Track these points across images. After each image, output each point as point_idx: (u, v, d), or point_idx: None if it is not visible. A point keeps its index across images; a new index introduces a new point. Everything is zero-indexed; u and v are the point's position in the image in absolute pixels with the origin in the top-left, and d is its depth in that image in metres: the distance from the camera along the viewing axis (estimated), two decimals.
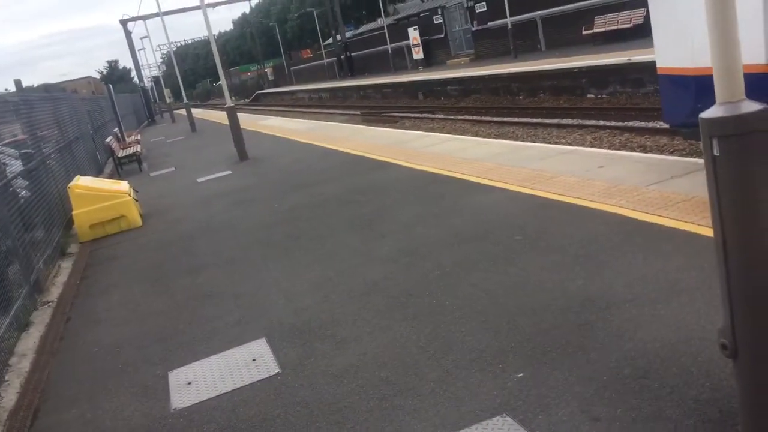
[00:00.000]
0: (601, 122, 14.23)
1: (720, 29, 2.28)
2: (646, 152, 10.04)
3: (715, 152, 2.35)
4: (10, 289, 6.55)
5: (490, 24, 35.62)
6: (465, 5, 39.68)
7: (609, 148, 10.87)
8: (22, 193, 8.84)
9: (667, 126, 8.58)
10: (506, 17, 31.10)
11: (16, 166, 9.11)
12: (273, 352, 4.48)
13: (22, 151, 9.97)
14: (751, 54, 5.25)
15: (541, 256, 5.13)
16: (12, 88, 11.53)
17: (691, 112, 6.44)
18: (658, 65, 7.22)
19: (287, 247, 7.04)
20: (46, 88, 15.13)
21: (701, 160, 6.62)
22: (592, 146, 11.51)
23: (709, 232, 4.77)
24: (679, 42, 6.79)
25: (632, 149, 10.79)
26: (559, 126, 15.13)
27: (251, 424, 3.63)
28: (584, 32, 27.71)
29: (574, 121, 15.12)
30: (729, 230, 2.41)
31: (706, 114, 2.37)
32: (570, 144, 12.02)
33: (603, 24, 26.91)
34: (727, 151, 2.30)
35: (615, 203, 5.96)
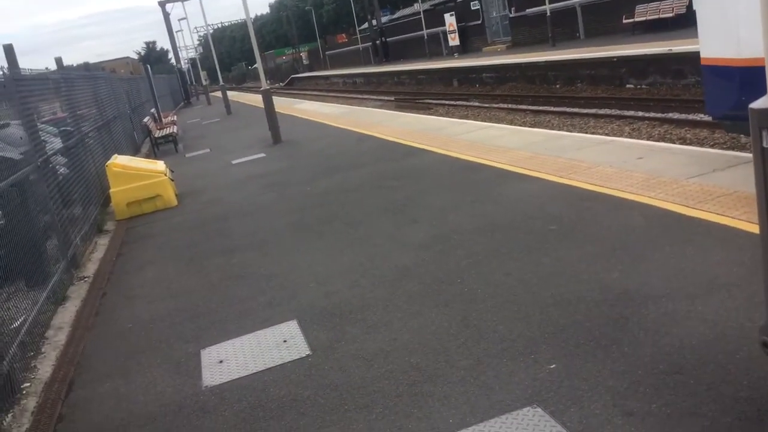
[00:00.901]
0: (640, 113, 13.98)
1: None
2: (686, 144, 9.84)
3: (765, 144, 2.28)
4: (48, 263, 6.68)
5: (528, 11, 35.12)
6: None
7: (648, 140, 10.65)
8: (61, 170, 9.00)
9: (708, 118, 8.39)
10: (545, 4, 30.64)
11: (55, 143, 9.27)
12: (304, 334, 4.50)
13: (62, 128, 10.14)
14: None
15: (577, 246, 5.06)
16: (53, 67, 11.73)
17: (735, 104, 6.58)
18: (702, 55, 7.04)
19: (320, 231, 7.06)
20: (86, 66, 15.33)
21: (744, 154, 6.48)
22: (630, 137, 11.29)
23: (750, 228, 4.67)
24: (724, 31, 6.64)
25: (671, 141, 10.56)
26: (596, 116, 14.89)
27: (281, 404, 3.65)
28: (625, 21, 27.18)
29: (612, 112, 14.87)
30: None
31: (757, 104, 2.30)
32: (607, 135, 11.82)
33: (644, 13, 26.35)
34: None
35: (654, 195, 5.85)
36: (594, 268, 4.59)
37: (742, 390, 2.95)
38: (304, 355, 4.19)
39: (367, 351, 4.07)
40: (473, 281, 4.80)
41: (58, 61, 11.45)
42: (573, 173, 7.16)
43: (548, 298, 4.27)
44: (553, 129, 13.46)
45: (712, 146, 9.74)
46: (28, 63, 8.37)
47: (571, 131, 12.32)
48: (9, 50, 7.38)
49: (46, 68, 10.32)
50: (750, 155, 6.23)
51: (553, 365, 3.47)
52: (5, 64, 7.14)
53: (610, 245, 4.95)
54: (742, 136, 7.26)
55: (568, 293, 4.28)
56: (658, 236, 4.94)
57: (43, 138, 8.40)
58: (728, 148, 8.92)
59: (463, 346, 3.87)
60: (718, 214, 5.11)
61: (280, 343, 4.44)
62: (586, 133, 12.17)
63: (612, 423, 2.91)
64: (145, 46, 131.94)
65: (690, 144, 10.15)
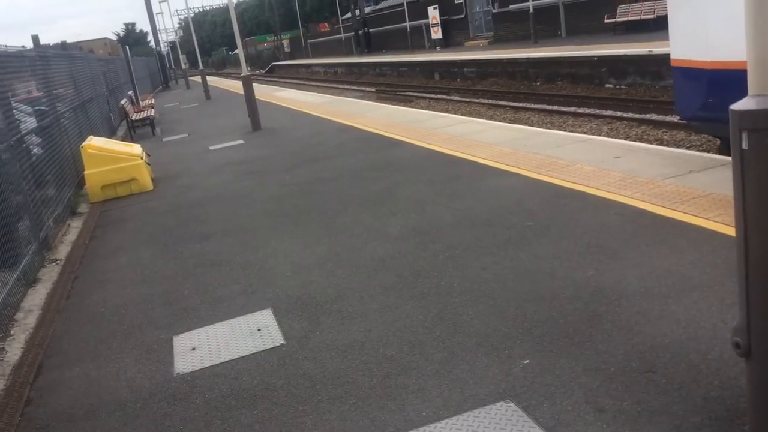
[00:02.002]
0: (618, 113, 14.10)
1: (755, 19, 2.20)
2: (663, 145, 9.93)
3: (744, 146, 2.29)
4: (19, 244, 6.56)
5: (512, 7, 35.20)
6: None
7: (626, 140, 10.74)
8: (35, 150, 8.84)
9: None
10: (528, 1, 30.72)
11: (30, 122, 9.10)
12: (278, 323, 4.47)
13: (36, 108, 9.96)
14: None
15: (553, 243, 5.09)
16: (29, 45, 11.50)
17: (702, 105, 6.91)
18: (672, 56, 7.28)
19: (297, 220, 7.02)
20: (63, 45, 15.06)
21: (719, 157, 6.55)
22: (609, 137, 11.38)
23: (725, 230, 4.73)
24: (694, 34, 6.82)
25: (649, 142, 10.67)
26: (575, 114, 14.98)
27: (253, 393, 3.63)
28: (606, 20, 27.36)
29: (591, 111, 14.97)
30: (752, 226, 2.35)
31: (737, 106, 2.30)
32: (586, 133, 11.90)
33: (626, 13, 26.54)
34: (757, 145, 2.24)
35: (630, 195, 5.90)
36: (569, 265, 4.62)
37: (713, 390, 2.98)
38: (278, 345, 4.16)
39: (341, 342, 4.06)
40: (450, 275, 4.81)
41: (35, 38, 11.25)
42: (551, 170, 7.20)
43: (524, 294, 4.29)
44: (532, 126, 13.53)
45: (688, 148, 9.86)
46: (2, 41, 8.22)
47: (550, 129, 12.37)
48: None
49: (23, 47, 10.08)
50: (726, 158, 6.32)
51: (527, 361, 3.49)
52: None
53: (586, 243, 4.98)
54: (717, 138, 7.40)
55: (544, 289, 4.30)
56: (634, 235, 4.98)
57: (17, 117, 8.24)
58: (704, 151, 9.03)
59: (437, 340, 3.88)
60: (693, 215, 5.17)
61: (254, 332, 4.41)
62: (565, 131, 12.23)
63: (584, 419, 2.93)
64: (124, 27, 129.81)
65: (667, 145, 10.25)
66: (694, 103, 7.17)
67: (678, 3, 7.04)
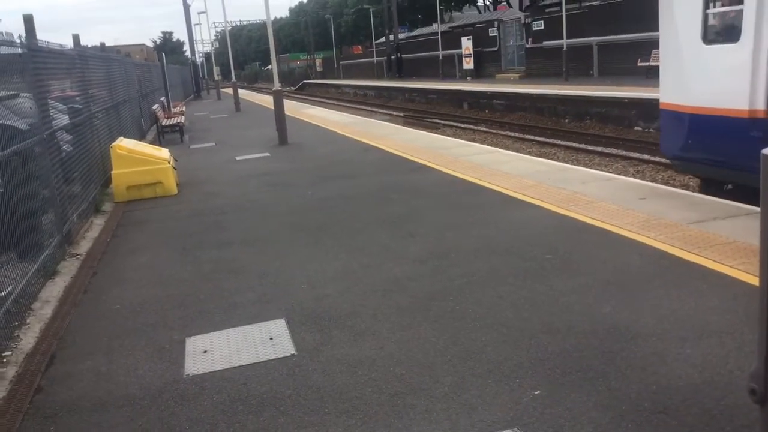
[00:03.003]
0: (646, 156, 14.03)
1: None
2: (688, 191, 9.85)
3: None
4: (42, 237, 6.65)
5: (545, 43, 35.34)
6: (522, 21, 39.43)
7: (652, 182, 10.68)
8: (65, 147, 8.99)
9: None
10: (563, 38, 30.85)
11: (63, 119, 9.26)
12: (291, 333, 4.48)
13: (71, 105, 10.14)
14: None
15: (571, 277, 5.06)
16: (68, 46, 11.74)
17: (683, 146, 7.62)
18: (661, 100, 7.99)
19: (316, 235, 7.05)
20: (102, 47, 15.36)
21: (746, 206, 6.50)
22: (635, 178, 11.32)
23: (747, 278, 4.68)
24: (678, 80, 7.65)
25: (675, 186, 10.60)
26: (602, 154, 14.95)
27: (261, 400, 3.63)
28: (639, 63, 27.34)
29: (618, 152, 14.94)
30: None
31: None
32: (612, 173, 11.85)
33: (659, 57, 26.52)
34: None
35: (653, 236, 5.86)
36: (586, 300, 4.58)
37: None
38: (288, 355, 4.17)
39: (352, 357, 4.05)
40: (465, 300, 4.79)
41: (75, 37, 11.48)
42: (574, 206, 7.18)
43: (538, 325, 4.26)
44: (558, 161, 13.49)
45: (715, 195, 9.76)
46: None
47: (575, 165, 12.33)
48: (28, 20, 7.40)
49: (61, 45, 10.29)
50: (752, 207, 6.25)
51: (538, 391, 3.46)
52: (23, 34, 7.15)
53: (605, 279, 4.95)
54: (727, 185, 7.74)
55: (559, 322, 4.27)
56: (654, 276, 4.94)
57: (51, 113, 8.40)
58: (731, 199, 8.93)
59: (449, 363, 3.86)
60: (715, 261, 5.12)
61: (266, 340, 4.42)
62: (591, 169, 12.19)
63: None
64: (161, 35, 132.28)
65: (693, 190, 10.17)
66: (677, 143, 7.83)
67: (667, 54, 7.96)
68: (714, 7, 7.56)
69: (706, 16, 7.50)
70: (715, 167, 7.64)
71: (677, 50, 7.80)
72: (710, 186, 8.14)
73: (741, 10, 6.96)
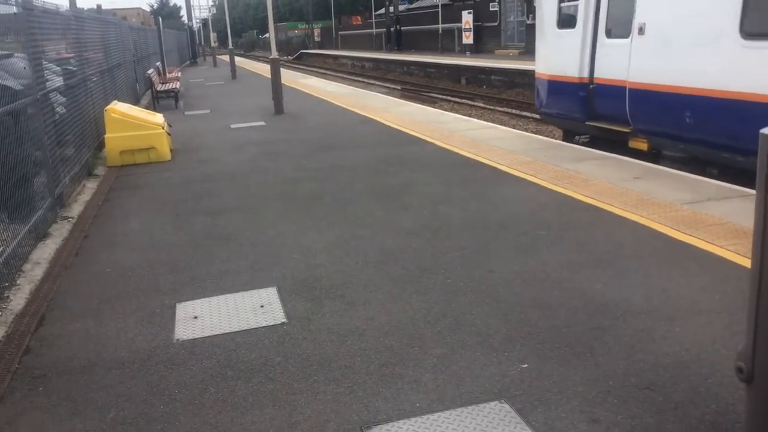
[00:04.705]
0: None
1: None
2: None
3: None
4: (34, 199, 6.61)
5: None
6: None
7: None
8: (59, 109, 8.90)
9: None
10: None
11: (57, 81, 9.16)
12: (281, 301, 4.49)
13: (65, 67, 10.02)
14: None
15: (563, 254, 5.07)
16: (64, 6, 11.57)
17: (546, 104, 11.04)
18: (536, 70, 11.36)
19: (310, 204, 7.03)
20: (98, 10, 15.15)
21: (740, 188, 6.50)
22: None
23: (738, 259, 4.70)
24: (544, 55, 10.98)
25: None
26: None
27: (250, 366, 3.64)
28: None
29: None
30: None
31: (767, 130, 2.27)
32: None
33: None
34: None
35: (646, 215, 5.87)
36: (578, 277, 4.60)
37: (709, 413, 2.97)
38: (279, 323, 4.17)
39: (342, 327, 4.06)
40: (457, 274, 4.80)
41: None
42: (569, 183, 7.17)
43: (529, 300, 4.28)
44: (555, 139, 13.44)
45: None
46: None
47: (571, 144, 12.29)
48: None
49: (56, 6, 10.14)
50: (746, 190, 6.27)
51: (526, 365, 3.48)
52: None
53: (597, 257, 4.96)
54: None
55: (549, 298, 4.29)
56: (645, 255, 4.96)
57: (45, 74, 8.29)
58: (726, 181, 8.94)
59: (438, 335, 3.87)
60: (706, 241, 5.13)
61: (256, 308, 4.42)
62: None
63: (576, 427, 2.92)
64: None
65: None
66: (541, 101, 11.15)
67: (539, 36, 11.16)
68: (566, 1, 10.31)
69: (560, 8, 10.37)
70: (562, 119, 10.89)
71: (543, 33, 10.90)
72: (567, 136, 11.07)
73: (577, 5, 9.82)
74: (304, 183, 8.08)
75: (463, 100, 23.37)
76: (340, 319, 4.18)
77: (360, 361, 3.63)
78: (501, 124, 15.57)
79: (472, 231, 5.77)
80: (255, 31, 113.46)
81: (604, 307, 4.11)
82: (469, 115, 18.21)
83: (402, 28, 56.22)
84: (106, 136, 10.04)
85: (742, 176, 6.94)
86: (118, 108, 10.46)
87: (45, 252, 5.96)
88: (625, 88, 8.74)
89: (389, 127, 12.28)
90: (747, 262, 4.45)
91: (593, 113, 9.68)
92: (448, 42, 46.25)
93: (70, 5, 11.25)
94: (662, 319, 3.90)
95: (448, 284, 4.62)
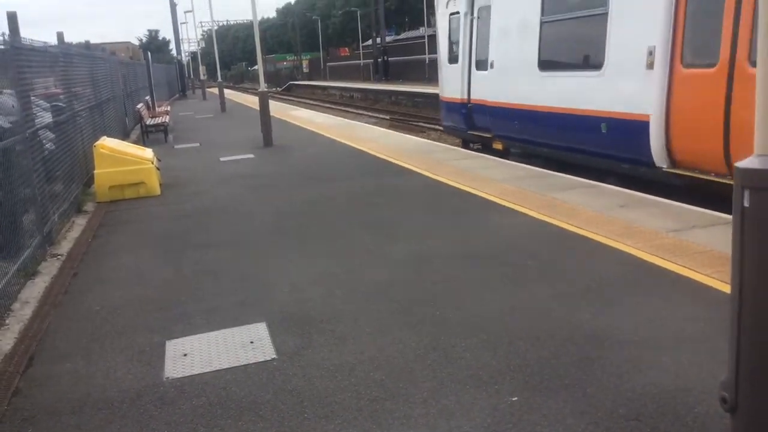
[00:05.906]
0: None
1: (764, 85, 2.27)
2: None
3: (746, 203, 2.33)
4: (23, 236, 6.61)
5: None
6: None
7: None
8: (48, 145, 8.93)
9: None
10: None
11: (46, 117, 9.20)
12: (271, 337, 4.49)
13: (54, 103, 10.08)
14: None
15: (551, 284, 5.12)
16: (53, 41, 11.65)
17: (445, 119, 14.92)
18: (439, 95, 15.24)
19: (299, 237, 7.07)
20: (87, 45, 15.25)
21: (724, 215, 6.59)
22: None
23: (720, 286, 4.76)
24: (441, 83, 14.91)
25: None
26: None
27: (240, 405, 3.64)
28: None
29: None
30: (748, 283, 2.38)
31: (742, 164, 2.35)
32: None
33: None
34: (758, 203, 2.28)
35: (632, 244, 5.93)
36: (566, 307, 4.64)
37: None
38: (269, 359, 4.18)
39: (332, 362, 4.07)
40: (446, 305, 4.83)
41: (60, 35, 11.40)
42: (556, 212, 7.24)
43: (517, 331, 4.31)
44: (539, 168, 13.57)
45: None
46: (26, 34, 8.32)
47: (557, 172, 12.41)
48: (12, 18, 7.35)
49: (45, 43, 10.23)
50: (730, 218, 6.35)
51: (515, 398, 3.50)
52: (6, 31, 7.11)
53: (584, 287, 5.01)
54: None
55: (538, 329, 4.32)
56: (632, 284, 5.01)
57: (34, 111, 8.34)
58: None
59: (428, 368, 3.89)
60: (691, 269, 5.20)
61: (246, 344, 4.42)
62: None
63: None
64: (147, 33, 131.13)
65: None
66: (444, 117, 15.02)
67: (439, 68, 15.12)
68: (453, 43, 14.05)
69: (450, 47, 14.22)
70: (455, 130, 14.56)
71: (440, 67, 14.96)
72: (464, 144, 14.65)
73: (458, 46, 13.64)
74: (292, 216, 8.12)
75: None
76: (330, 353, 4.19)
77: (350, 396, 3.64)
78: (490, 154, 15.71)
79: (460, 262, 5.81)
80: (244, 63, 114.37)
81: (593, 337, 4.15)
82: (457, 144, 18.34)
83: (389, 58, 56.87)
84: (95, 171, 10.05)
85: (556, 164, 10.52)
86: (107, 143, 10.50)
87: (34, 290, 5.95)
88: (486, 105, 12.59)
89: (378, 157, 12.37)
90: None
91: (472, 125, 13.46)
92: (435, 72, 46.62)
93: (58, 40, 11.30)
94: (649, 348, 3.94)
95: (436, 317, 4.64)
